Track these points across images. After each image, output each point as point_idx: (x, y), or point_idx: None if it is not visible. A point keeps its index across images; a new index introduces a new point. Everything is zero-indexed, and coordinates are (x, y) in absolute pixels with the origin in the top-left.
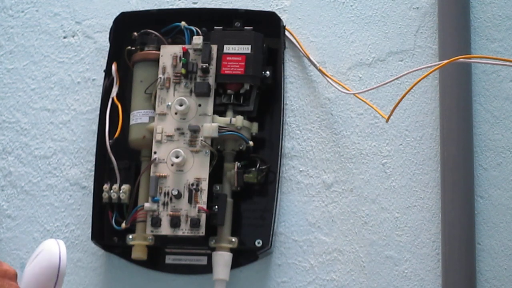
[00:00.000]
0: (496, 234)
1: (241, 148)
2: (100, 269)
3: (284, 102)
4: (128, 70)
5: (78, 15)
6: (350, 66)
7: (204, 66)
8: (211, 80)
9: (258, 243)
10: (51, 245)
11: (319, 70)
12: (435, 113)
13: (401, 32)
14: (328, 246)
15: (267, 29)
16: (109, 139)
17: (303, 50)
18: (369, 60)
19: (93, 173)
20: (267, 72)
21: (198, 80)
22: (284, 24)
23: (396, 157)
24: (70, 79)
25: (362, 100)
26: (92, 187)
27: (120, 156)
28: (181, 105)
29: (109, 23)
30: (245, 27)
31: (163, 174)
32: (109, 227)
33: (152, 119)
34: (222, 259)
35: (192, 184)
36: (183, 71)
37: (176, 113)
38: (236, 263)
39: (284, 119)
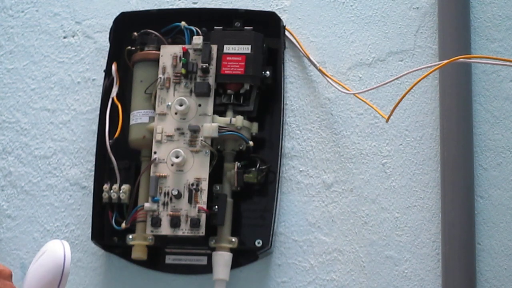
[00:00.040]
0: (496, 234)
1: (241, 148)
2: (100, 269)
3: (284, 102)
4: (128, 70)
5: (78, 15)
6: (350, 66)
7: (204, 66)
8: (211, 80)
9: (258, 243)
10: (55, 245)
11: (319, 70)
12: (435, 113)
13: (401, 32)
14: (328, 246)
15: (267, 29)
16: (109, 139)
17: (303, 50)
18: (369, 60)
19: (93, 173)
20: (267, 72)
21: (198, 80)
22: (284, 24)
23: (396, 157)
24: (70, 79)
25: (362, 100)
26: (92, 187)
27: (120, 156)
28: (181, 105)
29: (109, 23)
30: (245, 27)
31: (163, 174)
32: (109, 227)
33: (152, 119)
34: (222, 259)
35: (192, 184)
36: (183, 71)
37: (176, 113)
38: (236, 263)
39: (284, 119)
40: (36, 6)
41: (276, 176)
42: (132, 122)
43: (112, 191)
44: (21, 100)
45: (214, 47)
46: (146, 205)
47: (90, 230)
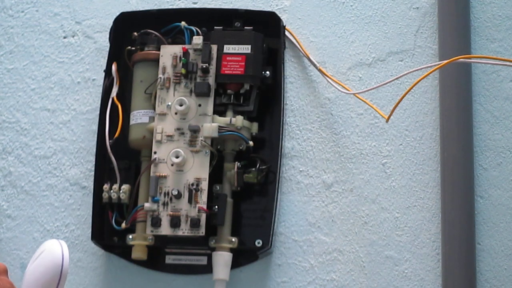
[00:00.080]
0: (496, 234)
1: (241, 148)
2: (100, 269)
3: (284, 102)
4: (128, 70)
5: (78, 15)
6: (350, 66)
7: (204, 66)
8: (211, 80)
9: (258, 243)
10: (53, 245)
11: (319, 70)
12: (435, 113)
13: (401, 32)
14: (328, 246)
15: (267, 29)
16: (109, 139)
17: (303, 50)
18: (369, 60)
19: (93, 173)
20: (267, 72)
21: (198, 80)
22: (284, 24)
23: (396, 157)
24: (70, 79)
25: (362, 100)
26: (92, 187)
27: (120, 156)
28: (181, 105)
29: (109, 23)
30: (245, 27)
31: (163, 174)
32: (109, 227)
33: (152, 119)
34: (222, 259)
35: (192, 184)
36: (183, 71)
37: (176, 113)
38: (236, 263)
39: (284, 119)
40: (36, 6)
41: (276, 176)
42: (132, 122)
43: (112, 191)
44: (21, 100)
45: (214, 47)
46: (146, 205)
47: (90, 230)
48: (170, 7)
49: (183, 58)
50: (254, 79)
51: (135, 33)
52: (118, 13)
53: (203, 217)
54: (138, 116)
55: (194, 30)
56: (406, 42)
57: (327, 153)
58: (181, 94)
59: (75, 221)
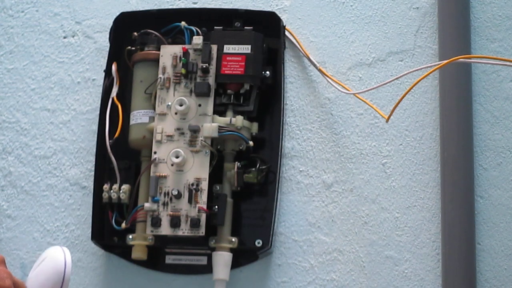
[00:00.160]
0: (496, 234)
1: (241, 148)
2: (100, 269)
3: (284, 102)
4: (128, 70)
5: (78, 15)
6: (350, 66)
7: (204, 66)
8: (211, 80)
9: (258, 243)
10: (56, 252)
11: (319, 70)
12: (435, 113)
13: (401, 32)
14: (328, 246)
15: (267, 29)
16: (109, 139)
17: (303, 50)
18: (369, 60)
19: (93, 173)
20: (267, 72)
21: (198, 80)
22: (284, 24)
23: (396, 157)
24: (70, 79)
25: (362, 100)
26: (92, 187)
27: (120, 156)
28: (181, 105)
29: (109, 23)
30: (245, 27)
31: (163, 174)
32: (109, 227)
33: (152, 119)
34: (222, 259)
35: (192, 184)
36: (183, 71)
37: (176, 113)
38: (236, 263)
39: (284, 119)
40: (36, 6)
41: (276, 176)
42: (132, 122)
43: (112, 191)
44: (21, 100)
45: (214, 47)
46: (146, 205)
47: (90, 230)
48: (170, 7)
49: (183, 58)
50: (254, 79)
51: (135, 33)
52: (118, 13)
53: (203, 217)
54: (138, 116)
55: (194, 30)
56: (406, 42)
57: (327, 153)
58: (181, 94)
59: (75, 221)
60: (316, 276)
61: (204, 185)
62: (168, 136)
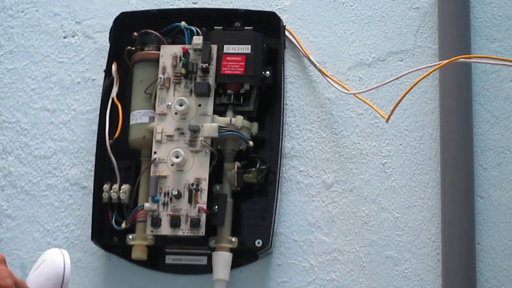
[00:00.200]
0: (496, 234)
1: (241, 148)
2: (100, 269)
3: (284, 102)
4: (128, 70)
5: (78, 15)
6: (350, 66)
7: (204, 66)
8: (211, 80)
9: (258, 243)
10: (55, 254)
11: (319, 70)
12: (435, 113)
13: (401, 32)
14: (328, 246)
15: (267, 29)
16: (109, 139)
17: (303, 50)
18: (369, 60)
19: (93, 173)
20: (267, 72)
21: (198, 80)
22: (284, 24)
23: (396, 157)
24: (70, 79)
25: (362, 100)
26: (92, 187)
27: (120, 156)
28: (181, 105)
29: (109, 23)
30: (245, 27)
31: (163, 174)
32: (109, 227)
33: (152, 119)
34: (222, 259)
35: (192, 184)
36: (183, 71)
37: (176, 113)
38: (236, 263)
39: (284, 119)
40: (36, 6)
41: (276, 176)
42: (132, 122)
43: (112, 191)
44: (21, 100)
45: (214, 47)
46: (146, 205)
47: (90, 230)
48: (170, 7)
49: (183, 58)
50: (254, 79)
51: (135, 33)
52: (118, 13)
53: (203, 217)
54: (138, 116)
55: (194, 30)
56: (406, 42)
57: (327, 153)
58: (181, 94)
59: (75, 221)
60: (316, 276)
61: (204, 185)
62: (168, 136)
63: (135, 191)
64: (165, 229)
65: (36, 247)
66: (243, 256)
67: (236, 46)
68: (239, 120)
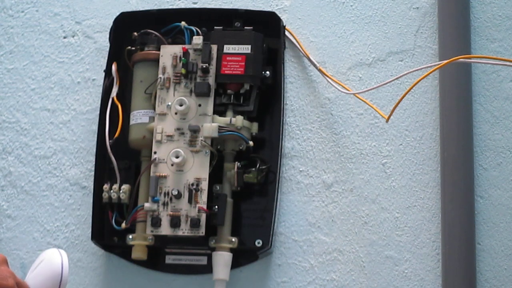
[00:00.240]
0: (496, 234)
1: (241, 148)
2: (100, 269)
3: (284, 102)
4: (128, 70)
5: (78, 15)
6: (350, 66)
7: (204, 66)
8: (211, 80)
9: (258, 243)
10: (53, 254)
11: (319, 70)
12: (435, 113)
13: (401, 32)
14: (328, 246)
15: (267, 29)
16: (109, 139)
17: (303, 50)
18: (369, 60)
19: (93, 173)
20: (267, 72)
21: (198, 80)
22: (284, 24)
23: (396, 157)
24: (70, 79)
25: (362, 100)
26: (92, 187)
27: (120, 156)
28: (181, 105)
29: (109, 23)
30: (245, 27)
31: (163, 174)
32: (109, 227)
33: (152, 119)
34: (222, 259)
35: (192, 184)
36: (183, 71)
37: (176, 113)
38: (236, 263)
39: (284, 119)
40: (36, 6)
41: (276, 176)
42: (132, 122)
43: (112, 191)
44: (21, 100)
45: (214, 47)
46: (146, 205)
47: (90, 230)
48: (170, 7)
49: (183, 58)
50: (254, 79)
51: (135, 33)
52: (118, 13)
53: (203, 217)
54: (138, 116)
55: (194, 30)
56: (406, 42)
57: (327, 153)
58: (181, 94)
59: (75, 221)
60: (316, 276)
61: (204, 185)
62: (168, 136)
63: (135, 191)
64: (165, 229)
65: (36, 247)
66: (243, 256)
67: (236, 46)
68: (239, 120)
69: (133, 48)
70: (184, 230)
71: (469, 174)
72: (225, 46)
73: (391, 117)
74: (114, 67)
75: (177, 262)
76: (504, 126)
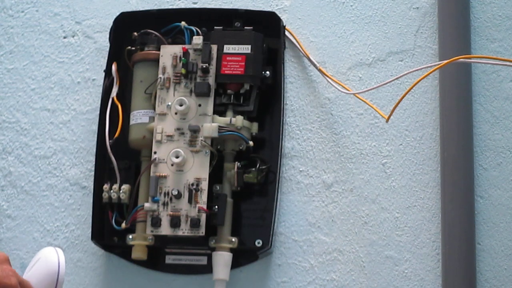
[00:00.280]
0: (496, 234)
1: (241, 148)
2: (100, 269)
3: (284, 102)
4: (128, 70)
5: (78, 15)
6: (350, 66)
7: (204, 66)
8: (211, 80)
9: (258, 243)
10: (50, 253)
11: (319, 70)
12: (435, 113)
13: (401, 32)
14: (328, 246)
15: (267, 29)
16: (109, 139)
17: (303, 50)
18: (369, 60)
19: (93, 173)
20: (267, 72)
21: (198, 80)
22: (284, 24)
23: (396, 157)
24: (70, 79)
25: (362, 100)
26: (92, 187)
27: (120, 156)
28: (181, 105)
29: (109, 23)
30: (245, 27)
31: (163, 174)
32: (109, 227)
33: (152, 119)
34: (222, 259)
35: (192, 184)
36: (183, 71)
37: (176, 113)
38: (236, 263)
39: (284, 119)
40: (36, 6)
41: (276, 176)
42: (132, 122)
43: (112, 191)
44: (21, 100)
45: (214, 47)
46: (146, 205)
47: (90, 230)
48: (170, 7)
49: (183, 58)
50: (254, 79)
51: (135, 33)
52: (118, 13)
53: (203, 217)
54: (138, 116)
55: (194, 30)
56: (406, 42)
57: (327, 153)
58: (181, 94)
59: (75, 221)
60: (316, 276)
61: (204, 185)
62: (168, 136)
63: (135, 191)
64: (165, 229)
65: (36, 247)
66: (243, 256)
67: (236, 46)
68: (239, 120)
69: (133, 48)
70: (184, 230)
71: (469, 174)
72: (225, 46)
73: (391, 117)
74: (114, 67)
75: (177, 262)
76: (504, 126)
